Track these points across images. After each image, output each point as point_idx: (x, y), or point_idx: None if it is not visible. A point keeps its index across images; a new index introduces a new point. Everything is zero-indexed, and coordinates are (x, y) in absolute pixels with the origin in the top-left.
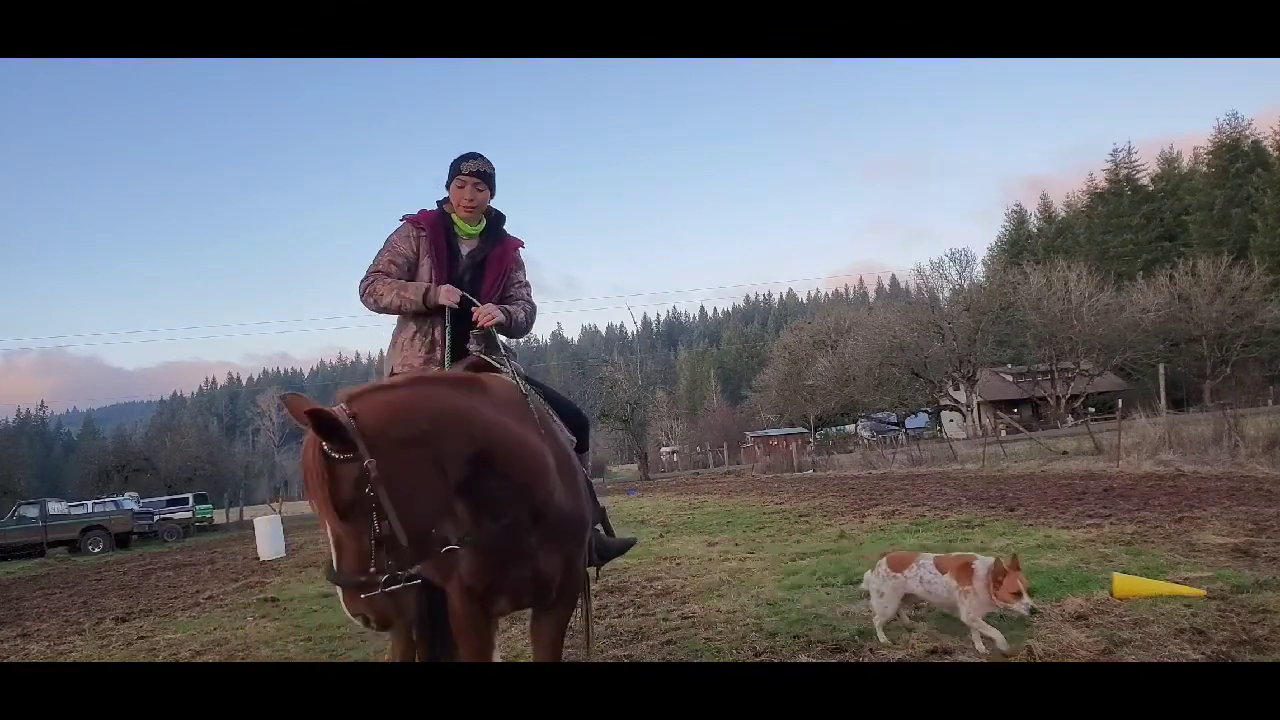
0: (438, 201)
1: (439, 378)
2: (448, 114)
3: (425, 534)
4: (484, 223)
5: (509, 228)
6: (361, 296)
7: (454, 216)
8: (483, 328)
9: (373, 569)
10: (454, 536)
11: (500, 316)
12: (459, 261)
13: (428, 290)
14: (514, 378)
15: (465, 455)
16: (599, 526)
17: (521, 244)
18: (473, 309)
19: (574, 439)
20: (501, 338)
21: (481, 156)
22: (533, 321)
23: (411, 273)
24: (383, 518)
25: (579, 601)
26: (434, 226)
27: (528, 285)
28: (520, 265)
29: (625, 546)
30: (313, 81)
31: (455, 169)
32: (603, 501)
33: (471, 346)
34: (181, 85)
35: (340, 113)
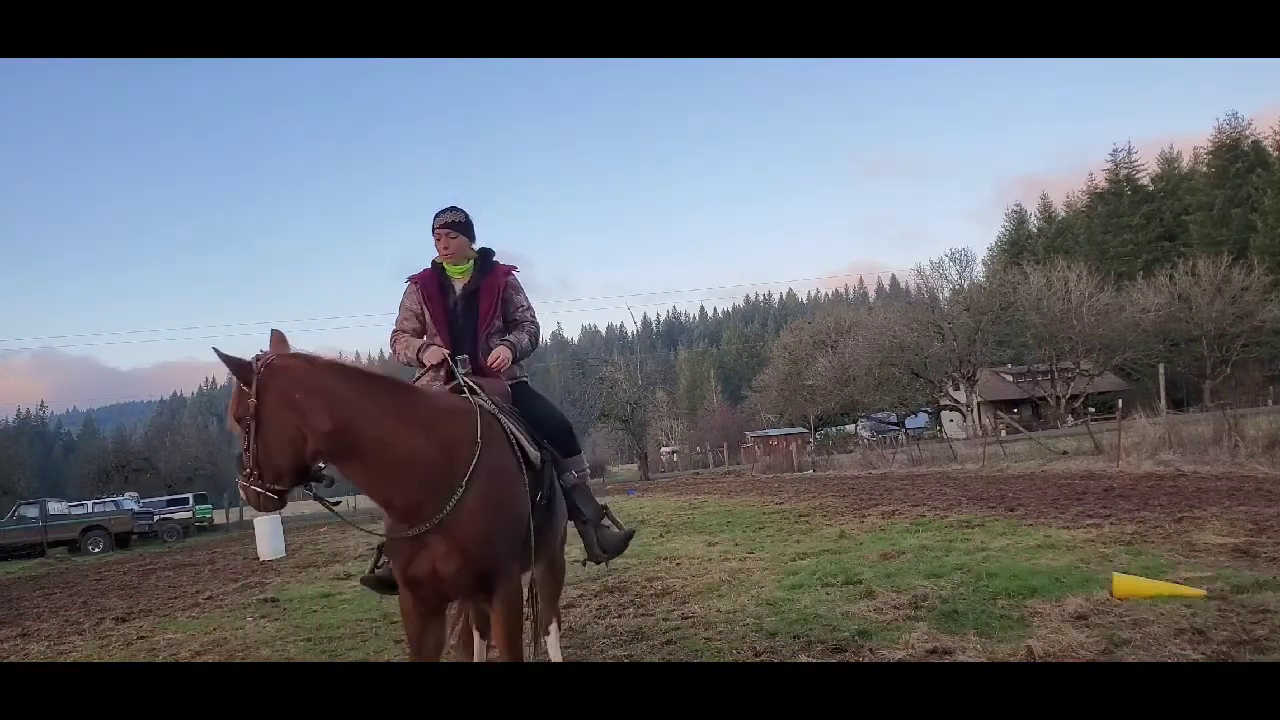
0: (432, 260)
1: (350, 368)
2: (450, 117)
3: (280, 470)
4: (471, 261)
5: (514, 233)
6: (391, 350)
7: (444, 265)
8: (498, 370)
9: (247, 468)
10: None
11: (506, 355)
12: (450, 297)
13: (420, 349)
14: (476, 400)
15: (322, 430)
16: (606, 522)
17: (513, 269)
18: (486, 353)
19: (537, 454)
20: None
21: (452, 209)
22: (538, 340)
23: (421, 322)
24: (256, 440)
25: (530, 605)
26: (427, 279)
27: (529, 308)
28: (517, 289)
29: (626, 538)
30: (316, 84)
31: (432, 226)
32: (602, 502)
33: (459, 371)
34: (182, 87)
35: (343, 115)
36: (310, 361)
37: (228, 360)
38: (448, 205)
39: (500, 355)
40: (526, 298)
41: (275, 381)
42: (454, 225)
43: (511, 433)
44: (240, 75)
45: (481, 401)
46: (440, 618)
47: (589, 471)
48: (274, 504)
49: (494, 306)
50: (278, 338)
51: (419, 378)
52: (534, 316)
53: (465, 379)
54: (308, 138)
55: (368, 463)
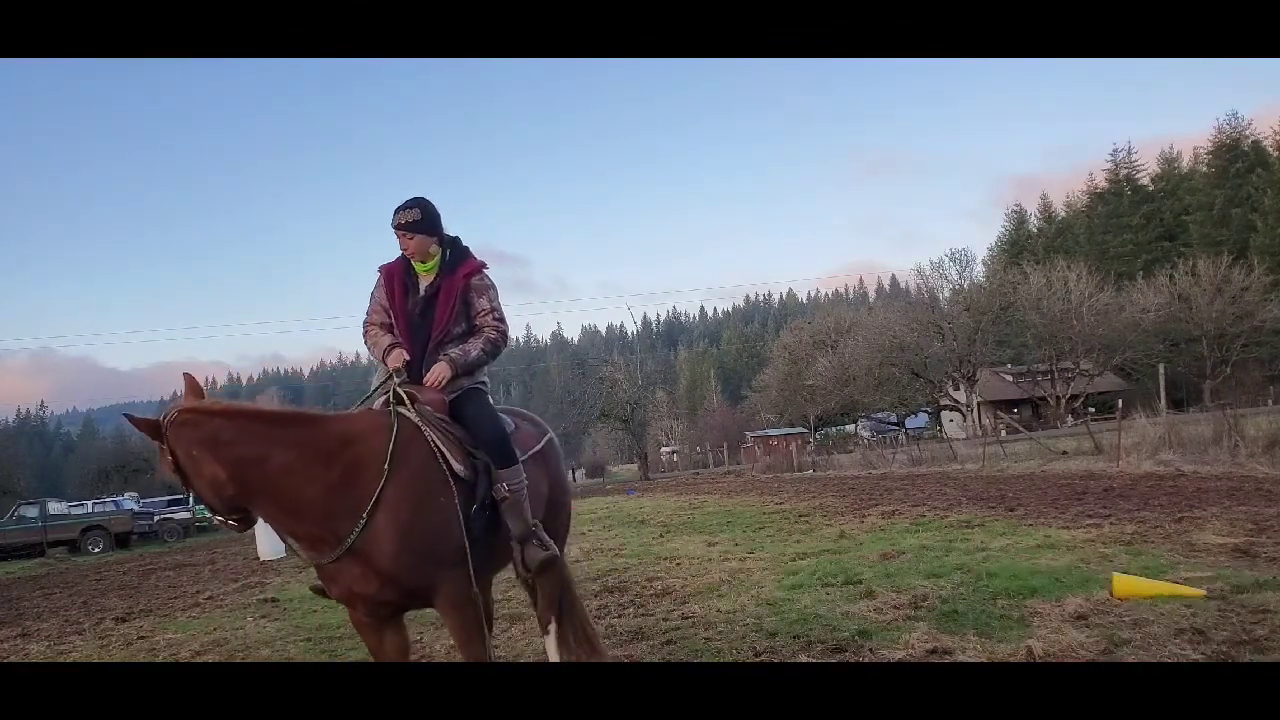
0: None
1: (244, 411)
2: (450, 118)
3: (217, 509)
4: (436, 258)
5: (514, 233)
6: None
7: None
8: (436, 386)
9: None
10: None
11: (443, 374)
12: (410, 299)
13: (385, 351)
14: (400, 412)
15: (219, 479)
16: (535, 540)
17: (481, 267)
18: (425, 374)
19: (464, 468)
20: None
21: (407, 207)
22: (498, 347)
23: (389, 316)
24: (189, 487)
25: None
26: (390, 274)
27: (492, 311)
28: (483, 291)
29: (550, 560)
30: (316, 84)
31: (391, 225)
32: (603, 501)
33: (395, 380)
34: (183, 87)
35: (343, 115)
36: (204, 412)
37: (137, 424)
38: (405, 200)
39: (435, 375)
40: (492, 299)
41: (178, 437)
42: (409, 226)
43: (436, 446)
44: (240, 75)
45: (407, 413)
46: (396, 625)
47: (524, 486)
48: (239, 528)
49: (450, 312)
50: (189, 384)
51: (383, 378)
52: (497, 320)
53: (398, 388)
54: (308, 138)
55: (266, 502)
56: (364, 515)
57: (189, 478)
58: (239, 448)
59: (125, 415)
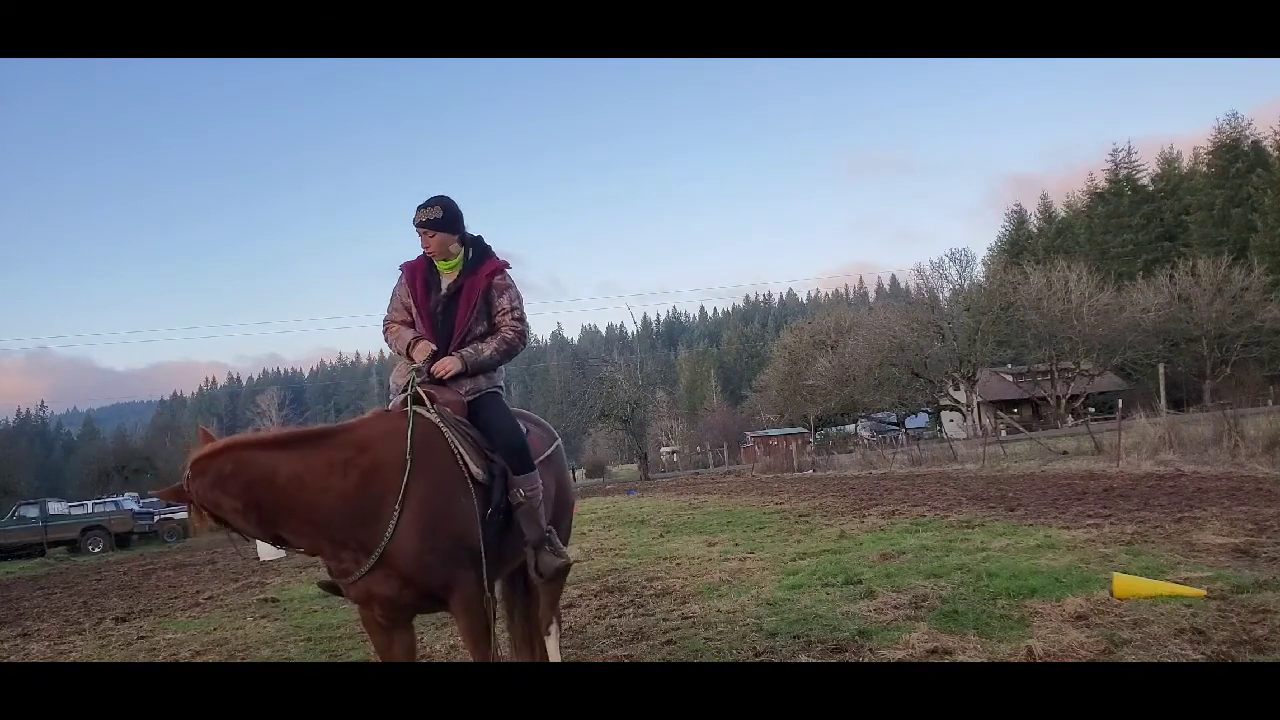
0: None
1: (246, 442)
2: (449, 118)
3: (262, 538)
4: (459, 256)
5: (514, 232)
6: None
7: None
8: (441, 376)
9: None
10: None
11: (451, 367)
12: (432, 297)
13: (410, 345)
14: (420, 412)
15: (238, 508)
16: (549, 546)
17: (503, 267)
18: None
19: (482, 471)
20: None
21: (429, 204)
22: (515, 347)
23: (411, 314)
24: (240, 533)
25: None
26: (413, 271)
27: (512, 310)
28: (504, 290)
29: (564, 568)
30: (316, 84)
31: (413, 222)
32: (603, 501)
33: (415, 379)
34: (183, 87)
35: (342, 115)
36: (207, 456)
37: (165, 495)
38: (428, 198)
39: (442, 365)
40: (513, 298)
41: (200, 492)
42: (431, 224)
43: (455, 447)
44: (240, 75)
45: (426, 414)
46: (406, 627)
47: (540, 492)
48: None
49: (471, 311)
50: (204, 437)
51: (409, 371)
52: (516, 320)
53: (418, 388)
54: (307, 137)
55: (290, 520)
56: (397, 508)
57: (227, 522)
58: (244, 474)
59: (150, 493)
